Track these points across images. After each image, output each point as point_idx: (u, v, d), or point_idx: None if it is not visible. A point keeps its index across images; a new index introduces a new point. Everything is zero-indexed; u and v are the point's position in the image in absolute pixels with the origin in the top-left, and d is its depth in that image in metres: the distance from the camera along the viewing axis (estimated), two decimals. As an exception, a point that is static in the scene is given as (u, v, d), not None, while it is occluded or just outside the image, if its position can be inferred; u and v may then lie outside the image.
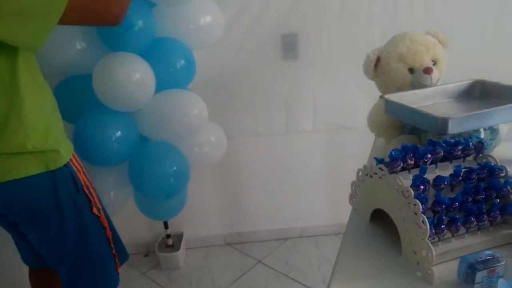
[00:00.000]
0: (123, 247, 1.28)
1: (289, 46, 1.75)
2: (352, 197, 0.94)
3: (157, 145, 1.43)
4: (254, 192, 2.04)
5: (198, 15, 1.43)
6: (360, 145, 1.44)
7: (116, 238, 1.24)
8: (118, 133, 1.31)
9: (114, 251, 1.19)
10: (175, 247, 1.96)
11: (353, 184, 0.93)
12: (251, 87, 1.81)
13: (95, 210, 1.13)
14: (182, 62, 1.38)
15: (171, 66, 1.37)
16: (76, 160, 1.10)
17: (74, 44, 1.29)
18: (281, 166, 1.99)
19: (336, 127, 1.91)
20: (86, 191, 1.11)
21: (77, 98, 1.36)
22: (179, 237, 2.03)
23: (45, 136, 0.99)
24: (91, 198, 1.12)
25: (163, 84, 1.36)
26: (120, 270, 1.24)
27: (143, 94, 1.29)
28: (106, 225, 1.17)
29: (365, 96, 1.73)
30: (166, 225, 1.91)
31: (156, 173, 1.37)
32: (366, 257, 0.80)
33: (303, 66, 1.78)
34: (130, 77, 1.22)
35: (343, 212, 1.36)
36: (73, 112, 1.33)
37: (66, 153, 1.05)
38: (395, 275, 0.74)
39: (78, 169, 1.09)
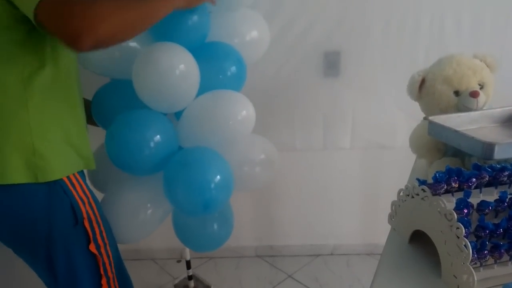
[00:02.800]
0: (128, 284, 1.19)
1: (331, 63, 1.77)
2: (391, 217, 0.94)
3: (197, 150, 1.23)
4: (288, 206, 2.05)
5: (245, 29, 1.37)
6: (398, 166, 1.44)
7: (122, 277, 1.15)
8: (157, 137, 1.15)
9: None
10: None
11: (393, 204, 0.93)
12: (291, 102, 1.84)
13: (92, 248, 1.03)
14: (233, 68, 1.27)
15: (221, 71, 1.26)
16: (82, 190, 1.02)
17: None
18: (316, 181, 2.00)
19: (374, 145, 1.90)
20: (87, 224, 1.02)
21: (117, 103, 1.27)
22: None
23: (51, 142, 0.95)
24: (90, 233, 1.02)
25: (210, 89, 1.24)
26: None
27: (187, 89, 1.16)
28: (107, 264, 1.08)
29: (405, 117, 1.73)
30: (188, 265, 1.73)
31: (194, 181, 1.16)
32: (404, 278, 0.80)
33: (344, 84, 1.80)
34: (174, 68, 1.09)
35: (376, 232, 1.35)
36: (111, 117, 1.22)
37: (66, 167, 0.98)
38: (434, 298, 0.74)
39: (82, 199, 1.01)
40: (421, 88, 1.14)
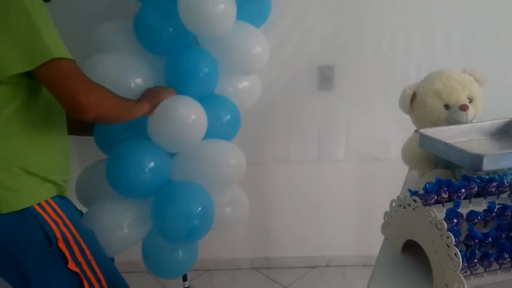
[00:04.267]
0: None
1: (325, 77, 1.81)
2: (384, 227, 0.97)
3: (184, 184, 1.35)
4: (283, 218, 2.07)
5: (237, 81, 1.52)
6: (391, 178, 1.46)
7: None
8: (154, 166, 1.27)
9: None
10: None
11: (386, 214, 0.95)
12: (286, 115, 1.87)
13: (72, 266, 1.04)
14: (228, 117, 1.43)
15: (218, 120, 1.40)
16: (56, 212, 1.03)
17: (128, 80, 1.27)
18: (311, 193, 2.01)
19: (368, 158, 1.93)
20: (62, 245, 1.02)
21: (115, 133, 1.37)
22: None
23: (13, 174, 0.97)
24: (67, 253, 1.03)
25: (208, 136, 1.37)
26: None
27: (197, 134, 1.30)
28: (93, 279, 1.08)
29: (398, 129, 1.76)
30: (184, 277, 1.74)
31: (181, 211, 1.28)
32: (397, 286, 0.82)
33: (337, 97, 1.83)
34: (188, 116, 1.25)
35: (371, 243, 1.37)
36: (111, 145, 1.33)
37: (36, 195, 1.00)
38: (426, 306, 0.76)
39: (55, 221, 1.02)
40: (413, 102, 1.18)
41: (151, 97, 1.22)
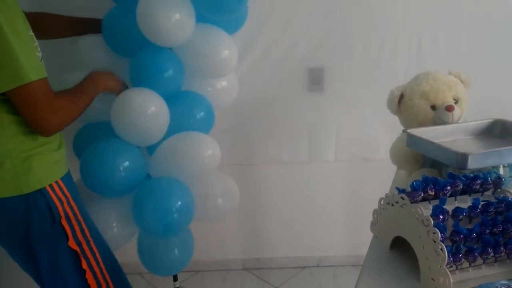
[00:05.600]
0: (123, 281, 1.26)
1: (315, 79, 1.83)
2: (373, 225, 0.99)
3: (163, 179, 1.38)
4: (274, 219, 2.08)
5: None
6: (381, 178, 1.48)
7: (115, 272, 1.21)
8: (126, 163, 1.30)
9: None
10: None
11: (375, 212, 0.97)
12: (277, 117, 1.89)
13: (72, 244, 1.09)
14: (202, 114, 1.45)
15: (192, 116, 1.43)
16: (62, 190, 1.09)
17: None
18: (302, 194, 2.03)
19: (357, 158, 1.96)
20: (65, 222, 1.08)
21: (90, 137, 1.41)
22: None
23: (26, 161, 1.02)
24: (69, 231, 1.09)
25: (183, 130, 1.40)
26: None
27: (157, 127, 1.31)
28: (92, 260, 1.14)
29: (387, 130, 1.79)
30: (175, 277, 1.74)
31: (159, 206, 1.31)
32: (386, 282, 0.84)
33: (327, 99, 1.86)
34: (146, 108, 1.26)
35: (361, 243, 1.39)
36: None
37: (45, 178, 1.06)
38: (413, 301, 0.78)
39: (61, 200, 1.08)
40: (400, 103, 1.20)
41: (95, 80, 1.21)
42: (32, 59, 0.97)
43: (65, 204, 1.09)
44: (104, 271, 1.17)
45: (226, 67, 1.44)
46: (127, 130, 1.28)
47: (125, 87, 1.33)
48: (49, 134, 1.04)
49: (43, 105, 0.99)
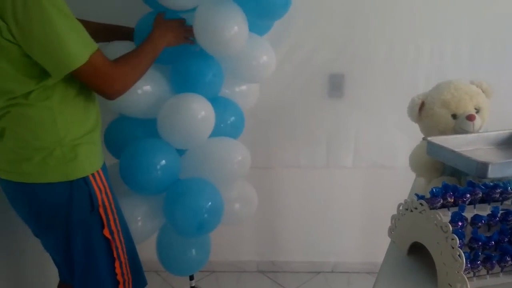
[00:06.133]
0: (141, 274, 1.31)
1: (336, 85, 1.85)
2: (391, 230, 1.00)
3: (195, 180, 1.42)
4: (290, 223, 2.10)
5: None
6: (399, 185, 1.48)
7: (135, 264, 1.27)
8: (164, 164, 1.34)
9: (120, 277, 1.20)
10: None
11: (393, 217, 0.98)
12: (296, 121, 1.91)
13: (106, 233, 1.15)
14: (233, 118, 1.50)
15: (223, 121, 1.46)
16: (101, 180, 1.15)
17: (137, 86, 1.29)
18: (318, 199, 2.05)
19: (376, 165, 1.96)
20: (102, 211, 1.14)
21: (125, 137, 1.44)
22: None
23: (73, 149, 1.08)
24: (105, 219, 1.15)
25: (213, 136, 1.43)
26: None
27: (205, 131, 1.36)
28: (120, 249, 1.20)
29: (406, 138, 1.79)
30: (191, 276, 1.78)
31: (191, 206, 1.35)
32: (403, 285, 0.85)
33: (347, 105, 1.87)
34: (197, 113, 1.31)
35: (377, 250, 1.40)
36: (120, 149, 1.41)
37: (89, 167, 1.12)
38: (430, 306, 0.79)
39: (100, 189, 1.14)
40: (421, 111, 1.21)
41: (156, 42, 1.24)
42: (82, 36, 1.02)
43: (103, 194, 1.14)
44: (127, 262, 1.22)
45: (264, 72, 1.48)
46: (175, 132, 1.33)
47: (190, 40, 1.33)
48: (113, 99, 1.12)
49: (103, 76, 1.05)
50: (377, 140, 1.91)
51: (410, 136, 1.34)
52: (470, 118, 1.13)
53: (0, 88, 1.01)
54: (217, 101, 1.44)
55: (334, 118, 1.90)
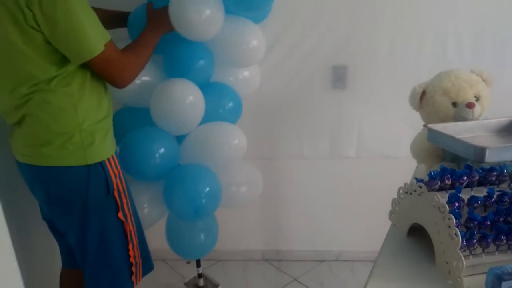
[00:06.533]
0: (149, 258, 1.36)
1: (339, 77, 1.88)
2: (392, 213, 1.04)
3: (193, 166, 1.46)
4: (294, 212, 2.14)
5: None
6: (402, 175, 1.50)
7: (143, 247, 1.32)
8: (162, 150, 1.38)
9: (132, 260, 1.26)
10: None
11: (394, 201, 1.02)
12: (300, 112, 1.95)
13: (120, 215, 1.21)
14: (231, 104, 1.53)
15: (221, 106, 1.50)
16: (116, 165, 1.21)
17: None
18: (322, 189, 2.08)
19: (379, 156, 1.99)
20: (116, 195, 1.19)
21: (127, 127, 1.47)
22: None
23: (91, 134, 1.14)
24: (119, 202, 1.20)
25: (211, 121, 1.47)
26: (140, 280, 1.32)
27: (194, 116, 1.39)
28: (132, 233, 1.25)
29: (408, 128, 1.81)
30: (198, 263, 1.83)
31: (189, 191, 1.39)
32: (402, 265, 0.89)
33: (350, 96, 1.90)
34: (185, 99, 1.34)
35: (380, 239, 1.43)
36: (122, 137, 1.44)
37: (105, 152, 1.17)
38: (428, 283, 0.83)
39: (115, 173, 1.20)
40: (422, 99, 1.25)
41: (154, 31, 1.30)
42: (99, 26, 1.08)
43: (117, 178, 1.20)
44: (137, 245, 1.27)
45: (254, 56, 1.51)
46: (165, 118, 1.36)
47: None
48: (123, 87, 1.19)
49: (115, 64, 1.13)
50: (380, 130, 1.94)
51: (413, 126, 1.37)
52: (470, 105, 1.16)
53: (25, 74, 1.05)
54: (213, 87, 1.48)
55: (337, 109, 1.93)
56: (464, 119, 1.17)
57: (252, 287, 2.01)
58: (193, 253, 1.61)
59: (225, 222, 1.97)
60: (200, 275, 1.87)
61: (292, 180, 2.09)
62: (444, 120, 1.19)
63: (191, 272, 2.08)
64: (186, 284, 1.90)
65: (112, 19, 1.47)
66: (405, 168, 1.47)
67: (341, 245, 2.18)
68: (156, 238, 1.66)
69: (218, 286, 1.87)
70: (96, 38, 1.06)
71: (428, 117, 1.24)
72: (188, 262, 2.18)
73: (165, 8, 1.32)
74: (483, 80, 1.23)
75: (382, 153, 1.99)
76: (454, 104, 1.18)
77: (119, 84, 1.17)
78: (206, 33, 1.36)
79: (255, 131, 1.97)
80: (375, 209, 2.08)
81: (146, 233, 1.52)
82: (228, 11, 1.41)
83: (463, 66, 1.30)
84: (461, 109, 1.17)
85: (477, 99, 1.19)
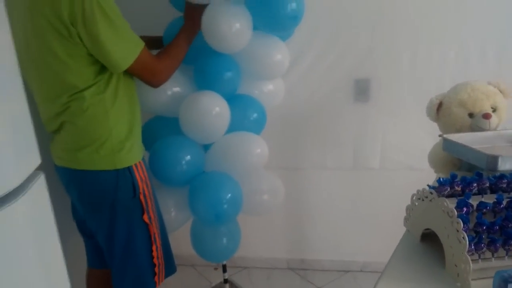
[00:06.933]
0: (172, 260, 1.44)
1: (361, 90, 1.93)
2: (406, 220, 1.07)
3: (216, 174, 1.54)
4: (319, 222, 2.18)
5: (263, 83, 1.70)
6: (425, 187, 1.54)
7: (166, 250, 1.40)
8: (189, 158, 1.48)
9: (156, 261, 1.33)
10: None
11: (408, 208, 1.06)
12: (323, 124, 2.00)
13: (145, 218, 1.29)
14: (255, 115, 1.61)
15: (246, 118, 1.58)
16: (142, 170, 1.29)
17: (166, 88, 1.48)
18: (346, 199, 2.11)
19: (403, 167, 2.01)
20: (142, 198, 1.28)
21: (157, 135, 1.58)
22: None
23: (121, 141, 1.23)
24: (144, 205, 1.28)
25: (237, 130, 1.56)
26: (163, 281, 1.40)
27: (220, 126, 1.48)
28: (156, 235, 1.33)
29: (432, 140, 1.83)
30: (224, 269, 1.88)
31: (211, 197, 1.47)
32: (414, 268, 0.93)
33: (373, 109, 1.94)
34: (211, 110, 1.43)
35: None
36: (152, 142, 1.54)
37: (133, 158, 1.26)
38: (437, 285, 0.86)
39: (141, 178, 1.28)
40: (439, 111, 1.28)
41: (189, 34, 1.40)
42: (133, 36, 1.21)
43: (144, 183, 1.29)
44: (161, 247, 1.36)
45: (279, 69, 1.60)
46: (193, 128, 1.46)
47: None
48: (158, 86, 1.32)
49: (150, 69, 1.26)
50: (404, 142, 1.97)
51: (437, 138, 1.40)
52: (486, 116, 1.18)
53: (67, 84, 1.17)
54: (239, 99, 1.57)
55: (360, 121, 1.97)
56: (481, 129, 1.19)
57: (276, 295, 2.06)
58: (216, 257, 1.68)
59: (252, 230, 2.05)
60: (226, 281, 1.93)
61: (316, 190, 2.14)
62: (460, 130, 1.22)
63: (217, 277, 2.15)
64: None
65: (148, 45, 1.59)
66: (429, 180, 1.48)
67: (366, 256, 2.19)
68: (186, 244, 1.74)
69: (242, 289, 1.93)
70: (131, 47, 1.19)
71: (445, 128, 1.27)
72: (216, 269, 2.25)
73: (203, 7, 1.41)
74: (501, 91, 1.25)
75: (406, 164, 2.01)
76: (471, 115, 1.21)
77: (154, 85, 1.30)
78: (235, 46, 1.45)
79: (280, 142, 2.04)
80: (399, 221, 2.09)
81: (176, 239, 1.62)
82: (256, 28, 1.50)
83: (486, 77, 1.32)
84: (477, 120, 1.20)
85: (494, 110, 1.21)
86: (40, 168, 0.67)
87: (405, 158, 2.00)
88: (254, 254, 2.24)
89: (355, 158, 2.03)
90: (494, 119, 1.19)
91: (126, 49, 1.17)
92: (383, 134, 1.98)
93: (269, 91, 1.70)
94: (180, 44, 1.36)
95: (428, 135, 1.89)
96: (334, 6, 1.84)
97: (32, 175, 0.64)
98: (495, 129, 1.20)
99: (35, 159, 0.66)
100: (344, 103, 1.96)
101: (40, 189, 0.66)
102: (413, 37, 1.83)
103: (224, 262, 1.90)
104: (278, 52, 1.58)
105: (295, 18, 1.48)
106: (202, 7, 1.40)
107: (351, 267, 2.20)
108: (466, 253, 0.81)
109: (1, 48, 0.62)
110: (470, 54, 1.81)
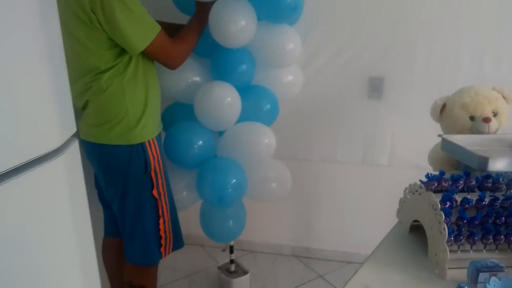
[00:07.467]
0: (180, 235, 1.54)
1: (375, 87, 1.98)
2: (399, 212, 1.15)
3: (224, 159, 1.65)
4: (325, 213, 2.26)
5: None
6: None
7: (175, 225, 1.50)
8: (200, 143, 1.58)
9: (162, 233, 1.44)
10: (237, 273, 2.03)
11: (401, 200, 1.13)
12: (336, 119, 2.07)
13: (155, 193, 1.39)
14: (268, 106, 1.68)
15: (259, 108, 1.66)
16: (155, 149, 1.38)
17: (186, 77, 1.62)
18: (353, 193, 2.18)
19: (411, 165, 2.06)
20: (153, 174, 1.37)
21: (175, 119, 1.67)
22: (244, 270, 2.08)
23: (136, 119, 1.32)
24: (154, 181, 1.38)
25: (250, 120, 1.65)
26: (170, 253, 1.50)
27: (231, 115, 1.57)
28: (164, 210, 1.43)
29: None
30: (231, 250, 1.99)
31: (216, 181, 1.57)
32: (398, 256, 1.00)
33: (385, 107, 2.00)
34: (223, 100, 1.53)
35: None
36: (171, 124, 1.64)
37: (146, 135, 1.35)
38: (418, 271, 0.94)
39: (153, 156, 1.37)
40: (442, 112, 1.34)
41: (202, 20, 1.50)
42: (150, 20, 1.30)
43: (155, 160, 1.39)
44: (169, 222, 1.47)
45: (290, 58, 1.67)
46: (206, 115, 1.57)
47: None
48: (175, 68, 1.41)
49: (166, 52, 1.35)
50: (413, 141, 2.01)
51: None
52: (486, 120, 1.24)
53: (89, 65, 1.29)
54: (253, 90, 1.66)
55: (372, 118, 2.03)
56: (480, 132, 1.25)
57: (278, 278, 2.15)
58: (222, 237, 1.79)
59: (260, 217, 2.14)
60: (232, 261, 2.05)
61: (325, 182, 2.21)
62: (461, 132, 1.28)
63: (224, 258, 2.26)
64: (219, 268, 2.09)
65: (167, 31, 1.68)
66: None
67: (369, 248, 2.23)
68: (196, 225, 1.85)
69: (247, 273, 2.03)
70: (148, 31, 1.28)
71: (447, 129, 1.33)
72: (224, 250, 2.37)
73: (211, 3, 1.51)
74: (504, 97, 1.30)
75: (414, 163, 2.05)
76: (472, 118, 1.27)
77: (171, 66, 1.39)
78: (240, 41, 1.54)
79: (293, 133, 2.12)
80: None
81: (186, 220, 1.74)
82: (260, 19, 1.58)
83: (500, 81, 1.36)
84: (477, 123, 1.25)
85: (495, 114, 1.26)
86: (75, 135, 0.79)
87: (413, 157, 2.04)
88: (261, 239, 2.34)
89: (365, 154, 2.10)
90: (493, 123, 1.24)
91: (142, 32, 1.27)
92: (393, 132, 2.03)
93: (288, 81, 1.78)
94: (194, 30, 1.46)
95: (436, 135, 1.94)
96: (355, 5, 1.90)
97: (68, 140, 0.75)
98: (494, 133, 1.25)
99: (72, 127, 0.77)
100: (357, 99, 2.02)
101: (74, 153, 0.76)
102: (429, 40, 1.87)
103: (232, 243, 2.01)
104: (290, 41, 1.64)
105: (295, 9, 1.56)
106: (210, 4, 1.50)
107: (354, 259, 2.28)
108: (445, 243, 0.89)
109: (51, 29, 0.73)
110: (483, 59, 1.84)
